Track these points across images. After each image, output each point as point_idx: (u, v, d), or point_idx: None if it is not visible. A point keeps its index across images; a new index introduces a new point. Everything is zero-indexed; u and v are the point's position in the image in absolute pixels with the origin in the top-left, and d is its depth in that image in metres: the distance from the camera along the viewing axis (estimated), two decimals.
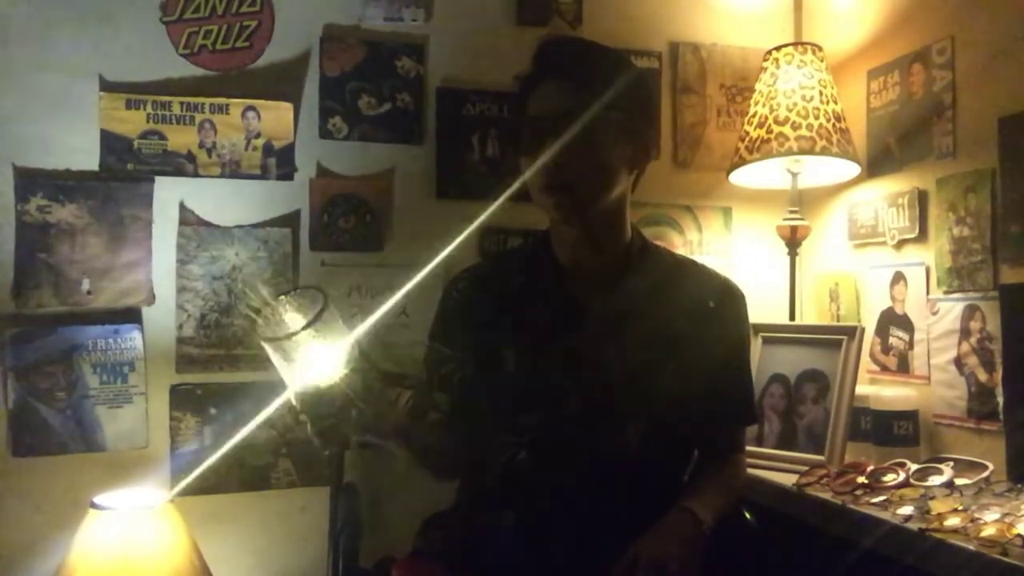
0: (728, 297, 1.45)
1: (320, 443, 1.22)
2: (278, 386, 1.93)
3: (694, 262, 1.52)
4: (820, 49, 2.04)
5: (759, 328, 1.96)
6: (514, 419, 1.34)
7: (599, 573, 1.21)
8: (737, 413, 1.47)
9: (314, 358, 1.15)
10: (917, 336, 1.90)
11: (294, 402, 1.19)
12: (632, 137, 1.35)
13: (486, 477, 1.37)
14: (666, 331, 1.37)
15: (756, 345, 1.94)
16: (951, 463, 1.51)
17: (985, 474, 1.46)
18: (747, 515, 1.47)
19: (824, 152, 1.94)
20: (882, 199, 2.01)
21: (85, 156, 1.85)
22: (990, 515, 1.27)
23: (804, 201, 2.17)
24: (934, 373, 1.84)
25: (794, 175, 2.06)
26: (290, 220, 1.98)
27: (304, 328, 1.12)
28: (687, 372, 1.36)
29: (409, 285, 1.76)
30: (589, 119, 1.29)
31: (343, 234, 2.01)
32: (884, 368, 2.00)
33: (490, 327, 1.39)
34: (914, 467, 1.53)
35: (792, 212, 2.09)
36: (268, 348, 1.16)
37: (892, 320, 1.98)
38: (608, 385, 1.34)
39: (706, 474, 1.42)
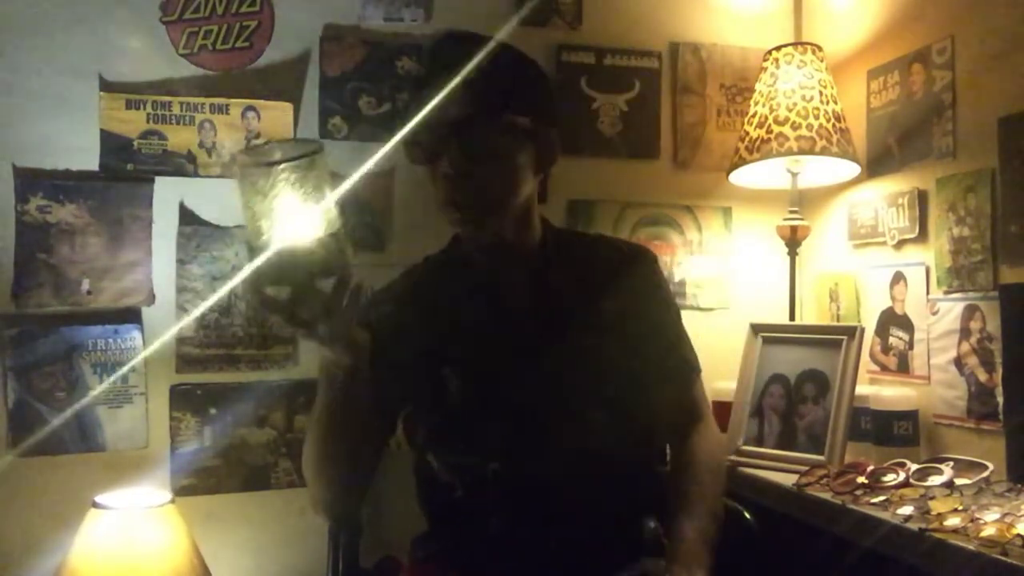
0: (640, 260, 1.41)
1: (265, 308, 1.06)
2: (278, 386, 1.95)
3: (600, 235, 1.51)
4: (820, 49, 2.04)
5: (759, 328, 1.96)
6: (474, 437, 1.30)
7: (584, 568, 1.20)
8: (679, 367, 1.41)
9: (290, 207, 0.99)
10: (917, 336, 1.90)
11: (255, 247, 1.02)
12: (535, 140, 1.28)
13: (456, 495, 1.32)
14: (594, 311, 1.34)
15: (756, 345, 1.94)
16: (951, 463, 1.50)
17: (985, 474, 1.45)
18: (747, 515, 1.47)
19: (824, 152, 1.94)
20: (882, 199, 2.01)
21: (85, 156, 1.85)
22: (990, 515, 1.26)
23: (804, 201, 2.17)
24: (934, 373, 1.84)
25: (794, 175, 2.06)
26: None
27: (287, 160, 0.98)
28: (625, 344, 1.34)
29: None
30: (488, 126, 1.22)
31: None
32: (884, 368, 2.00)
33: (427, 352, 1.32)
34: (914, 467, 1.52)
35: (792, 212, 2.09)
36: (239, 179, 1.03)
37: (892, 320, 1.98)
38: (557, 380, 1.30)
39: (684, 505, 1.28)
